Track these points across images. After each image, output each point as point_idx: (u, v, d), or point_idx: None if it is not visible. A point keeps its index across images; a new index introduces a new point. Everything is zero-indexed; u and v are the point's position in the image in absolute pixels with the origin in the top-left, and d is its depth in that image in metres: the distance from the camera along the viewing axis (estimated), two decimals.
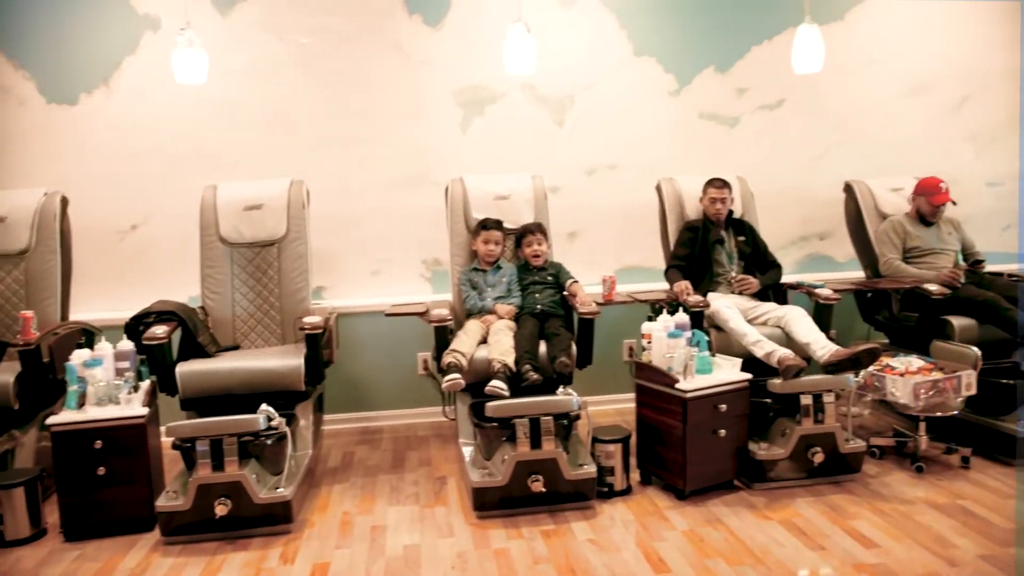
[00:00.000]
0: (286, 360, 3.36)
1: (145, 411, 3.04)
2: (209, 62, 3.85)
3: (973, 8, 4.89)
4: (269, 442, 3.05)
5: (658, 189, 4.18)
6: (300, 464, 3.32)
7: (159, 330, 3.23)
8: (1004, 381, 3.60)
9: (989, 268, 4.28)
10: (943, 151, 4.93)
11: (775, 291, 4.01)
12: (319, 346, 3.45)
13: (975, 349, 3.52)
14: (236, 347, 3.72)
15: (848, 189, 4.45)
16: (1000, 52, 4.94)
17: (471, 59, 4.39)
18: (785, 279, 4.09)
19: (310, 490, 3.47)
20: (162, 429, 3.18)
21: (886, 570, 2.63)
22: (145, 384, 3.19)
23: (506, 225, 3.90)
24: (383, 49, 4.34)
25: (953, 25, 4.88)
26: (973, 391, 3.38)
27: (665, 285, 3.93)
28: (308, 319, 3.42)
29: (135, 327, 3.34)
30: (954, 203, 4.12)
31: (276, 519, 2.99)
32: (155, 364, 3.24)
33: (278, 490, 2.99)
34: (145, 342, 3.18)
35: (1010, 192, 5.04)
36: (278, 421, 3.05)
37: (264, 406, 3.05)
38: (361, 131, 4.37)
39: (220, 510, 2.88)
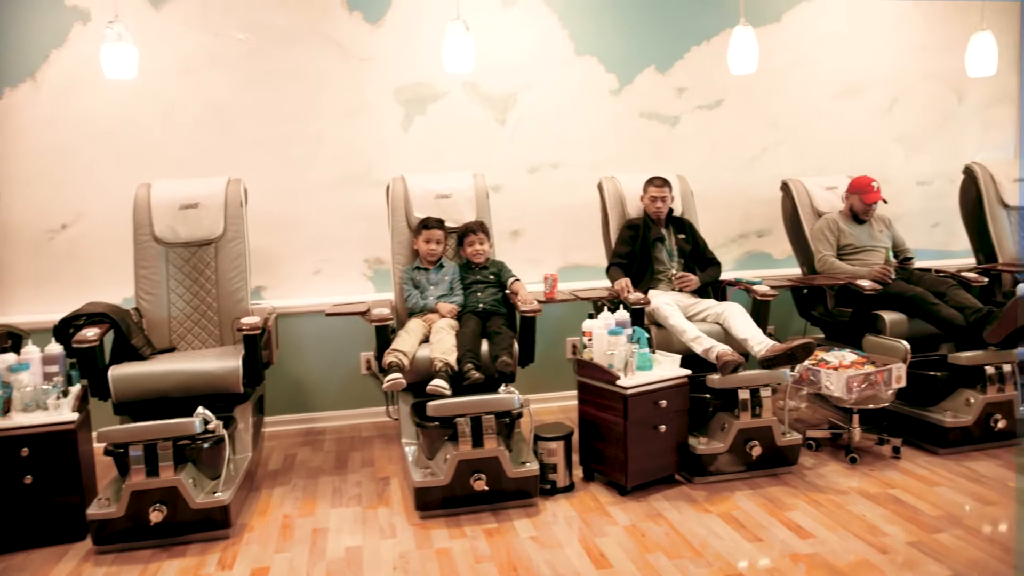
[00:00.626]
0: (224, 362, 3.29)
1: (75, 417, 2.95)
2: (142, 57, 3.75)
3: (904, 13, 5.04)
4: (206, 446, 2.98)
5: (600, 188, 4.22)
6: (239, 467, 3.26)
7: (90, 332, 3.14)
8: (932, 373, 3.72)
9: (918, 264, 4.43)
10: (875, 151, 5.07)
11: (715, 288, 4.08)
12: (258, 347, 3.39)
13: (904, 343, 3.64)
14: (172, 349, 3.64)
15: (785, 188, 4.55)
16: (928, 55, 5.10)
17: (412, 57, 4.36)
18: (724, 276, 4.16)
19: (250, 494, 3.41)
20: (94, 435, 3.10)
21: (820, 559, 2.70)
22: (75, 389, 3.10)
23: (448, 224, 3.89)
24: (323, 46, 4.28)
25: (884, 29, 5.03)
26: (903, 383, 3.48)
27: (607, 283, 3.96)
28: (246, 319, 3.36)
29: (64, 330, 3.24)
30: (885, 201, 4.24)
31: (214, 524, 2.93)
32: (86, 368, 3.14)
33: (216, 495, 2.93)
34: (75, 345, 3.09)
35: (938, 191, 5.21)
36: (215, 424, 3.00)
37: (200, 409, 2.99)
38: (301, 129, 4.30)
39: (155, 517, 2.81)
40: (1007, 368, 3.64)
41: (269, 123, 4.26)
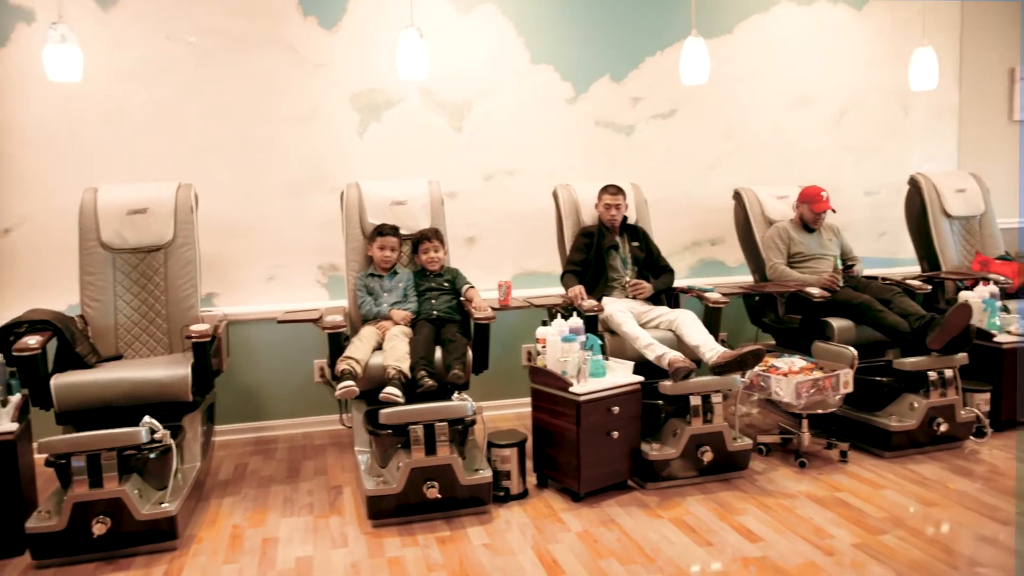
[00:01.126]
0: (172, 370, 3.23)
1: (15, 427, 2.87)
2: (90, 59, 3.68)
3: (851, 28, 5.16)
4: (152, 456, 2.93)
5: (555, 195, 4.24)
6: (187, 477, 3.19)
7: (31, 340, 3.05)
8: (878, 379, 3.81)
9: (865, 272, 4.54)
10: (825, 161, 5.18)
11: (668, 295, 4.12)
12: (208, 355, 3.33)
13: (852, 349, 3.72)
14: (119, 357, 3.56)
15: (737, 196, 4.62)
16: (875, 69, 5.23)
17: (368, 63, 4.34)
18: (678, 283, 4.20)
19: (198, 504, 3.34)
20: (35, 446, 3.01)
21: (769, 563, 2.74)
22: (15, 398, 3.01)
23: (402, 231, 3.88)
24: (277, 51, 4.24)
25: (833, 42, 5.15)
26: (850, 389, 3.55)
27: (562, 290, 3.98)
28: (195, 327, 3.30)
29: (5, 337, 3.14)
30: (834, 211, 4.33)
31: (160, 536, 2.87)
32: (27, 376, 3.05)
33: (162, 505, 2.87)
34: (15, 353, 3.00)
35: (885, 201, 5.34)
36: (162, 433, 2.94)
37: (147, 418, 2.93)
38: (255, 134, 4.25)
39: (98, 529, 2.74)
40: (949, 373, 3.74)
41: (222, 128, 4.20)
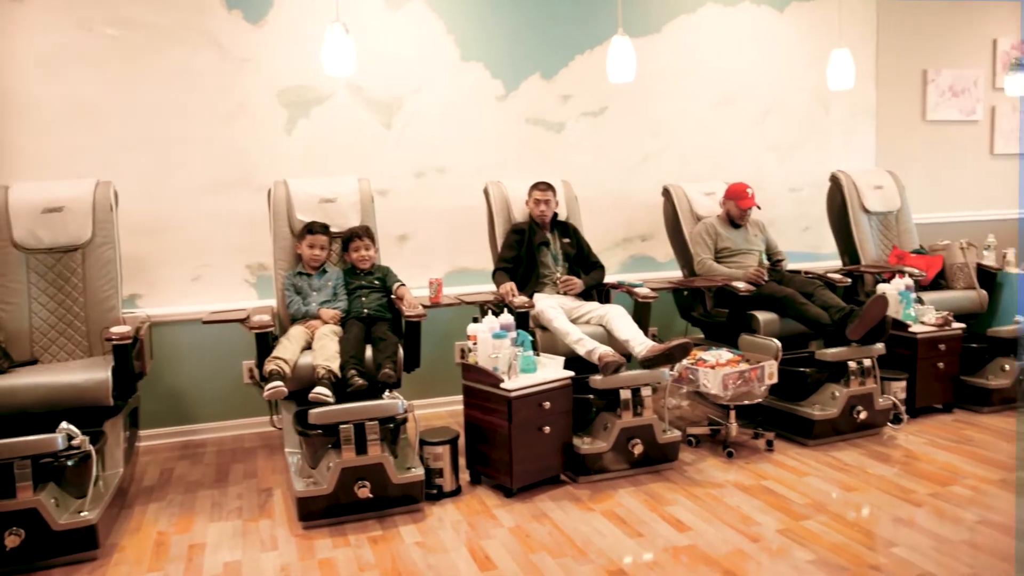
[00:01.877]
0: (91, 373, 3.12)
1: None
2: (1, 49, 3.52)
3: (774, 29, 5.30)
4: (70, 463, 2.82)
5: (486, 192, 4.24)
6: (109, 484, 3.09)
7: None
8: (801, 369, 3.92)
9: (789, 266, 4.67)
10: (750, 159, 5.31)
11: (599, 291, 4.17)
12: (129, 357, 3.24)
13: (776, 341, 3.82)
14: (34, 361, 3.42)
15: (666, 193, 4.70)
16: (798, 69, 5.38)
17: (295, 58, 4.26)
18: (608, 279, 4.25)
19: (121, 512, 3.24)
20: None
21: (698, 552, 2.79)
22: None
23: (332, 229, 3.83)
24: (200, 45, 4.13)
25: (757, 43, 5.28)
26: (775, 380, 3.65)
27: (494, 287, 3.98)
28: (116, 329, 3.20)
29: None
30: (759, 207, 4.44)
31: (80, 545, 2.77)
32: None
33: (81, 514, 2.78)
34: None
35: (808, 197, 5.50)
36: (80, 440, 2.84)
37: (64, 424, 2.82)
38: (178, 131, 4.14)
39: (11, 541, 2.63)
40: (868, 363, 3.88)
41: (143, 124, 4.08)
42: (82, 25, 3.95)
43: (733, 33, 5.20)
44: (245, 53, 4.20)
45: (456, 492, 3.35)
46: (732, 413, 3.78)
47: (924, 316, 4.29)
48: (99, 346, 3.50)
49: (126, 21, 4.01)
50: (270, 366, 3.17)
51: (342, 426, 2.99)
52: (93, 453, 2.90)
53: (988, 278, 4.68)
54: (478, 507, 3.23)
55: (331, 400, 3.08)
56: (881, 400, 3.93)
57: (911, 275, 4.49)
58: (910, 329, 4.19)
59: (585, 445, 3.42)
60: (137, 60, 4.04)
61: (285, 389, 3.13)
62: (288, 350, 3.27)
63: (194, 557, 2.84)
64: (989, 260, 4.78)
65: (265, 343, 3.37)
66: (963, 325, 4.31)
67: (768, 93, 5.35)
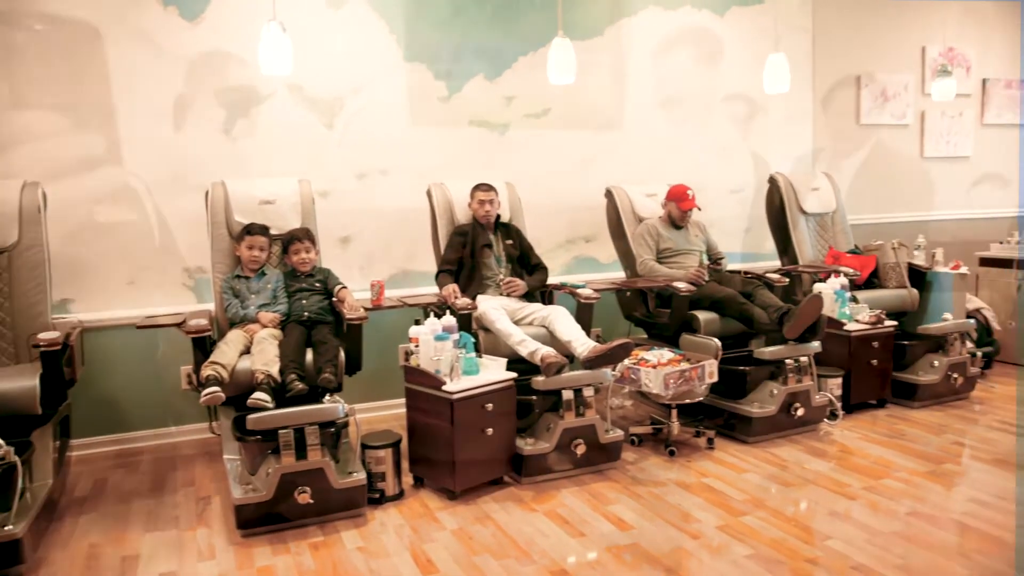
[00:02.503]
0: (17, 381, 3.02)
1: None
2: None
3: (712, 32, 5.39)
4: None
5: (428, 194, 4.22)
6: (37, 496, 2.99)
7: None
8: (740, 368, 3.99)
9: (730, 266, 4.75)
10: (692, 161, 5.38)
11: (542, 292, 4.18)
12: (59, 364, 3.14)
13: (716, 340, 3.88)
14: None
15: (608, 195, 4.74)
16: (738, 72, 5.48)
17: (234, 57, 4.18)
18: (552, 280, 4.27)
19: (51, 524, 3.14)
20: None
21: (639, 549, 2.82)
22: None
23: (272, 231, 3.76)
24: (134, 42, 4.02)
25: (699, 45, 5.36)
26: (715, 378, 3.71)
27: (437, 289, 3.97)
28: (44, 335, 3.10)
29: None
30: (699, 208, 4.51)
31: (3, 561, 2.66)
32: None
33: (6, 528, 2.67)
34: None
35: (748, 199, 5.60)
36: (4, 450, 2.73)
37: None
38: (112, 130, 4.02)
39: None
40: (804, 360, 3.97)
41: (75, 124, 3.96)
42: (5, 20, 3.81)
43: (674, 36, 5.27)
44: (181, 51, 4.10)
45: (399, 496, 3.32)
46: (674, 412, 3.83)
47: (858, 314, 4.41)
48: (27, 353, 3.38)
49: (54, 16, 3.88)
50: (207, 371, 3.11)
51: (281, 431, 2.94)
52: (19, 464, 2.79)
53: (918, 277, 4.83)
54: (421, 510, 3.21)
55: (270, 405, 3.02)
56: (818, 397, 4.02)
57: (846, 275, 4.61)
58: (845, 327, 4.31)
59: (528, 446, 3.42)
60: (66, 57, 3.92)
61: (222, 394, 3.06)
62: (226, 355, 3.21)
63: (127, 570, 2.77)
64: (919, 260, 4.94)
65: (203, 348, 3.30)
66: (895, 323, 4.45)
67: (708, 95, 5.43)
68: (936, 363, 4.45)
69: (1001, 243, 5.76)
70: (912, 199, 6.29)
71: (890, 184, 6.17)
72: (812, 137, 5.82)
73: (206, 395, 3.05)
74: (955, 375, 4.47)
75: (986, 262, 5.68)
